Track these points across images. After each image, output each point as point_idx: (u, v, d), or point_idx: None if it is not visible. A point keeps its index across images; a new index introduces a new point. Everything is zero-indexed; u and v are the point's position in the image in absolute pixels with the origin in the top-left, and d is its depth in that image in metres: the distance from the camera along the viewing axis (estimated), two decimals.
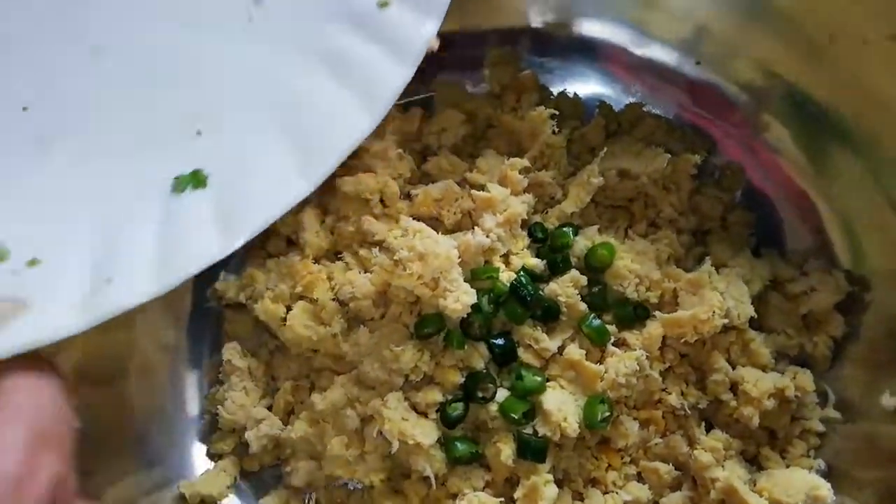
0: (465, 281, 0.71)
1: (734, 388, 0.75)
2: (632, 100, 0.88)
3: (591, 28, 0.87)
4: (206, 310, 0.83)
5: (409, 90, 0.87)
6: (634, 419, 0.75)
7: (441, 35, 0.62)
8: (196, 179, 0.55)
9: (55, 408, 0.48)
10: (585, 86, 0.90)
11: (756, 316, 0.76)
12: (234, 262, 0.83)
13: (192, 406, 0.81)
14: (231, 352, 0.80)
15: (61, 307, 0.49)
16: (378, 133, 0.78)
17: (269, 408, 0.79)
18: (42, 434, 0.46)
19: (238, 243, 0.52)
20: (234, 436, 0.79)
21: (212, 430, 0.80)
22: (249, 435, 0.76)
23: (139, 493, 0.72)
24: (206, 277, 0.81)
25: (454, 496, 0.73)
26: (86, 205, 0.54)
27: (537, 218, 0.79)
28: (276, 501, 0.76)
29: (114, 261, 0.51)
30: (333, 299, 0.76)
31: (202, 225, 0.53)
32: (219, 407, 0.77)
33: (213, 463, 0.79)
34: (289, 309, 0.77)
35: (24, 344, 0.47)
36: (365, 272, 0.76)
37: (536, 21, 0.88)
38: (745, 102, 0.84)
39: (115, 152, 0.57)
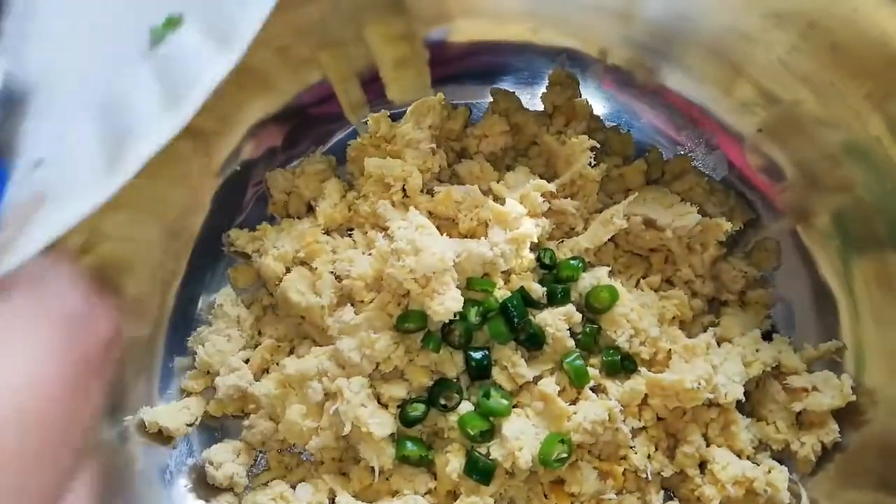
0: (458, 287, 0.70)
1: (703, 465, 0.73)
2: (683, 152, 0.86)
3: (669, 76, 0.83)
4: (217, 251, 0.85)
5: (464, 92, 0.91)
6: (594, 468, 0.73)
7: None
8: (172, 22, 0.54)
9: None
10: (641, 124, 0.88)
11: (745, 400, 0.73)
12: (254, 214, 0.85)
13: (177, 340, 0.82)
14: (224, 297, 0.81)
15: (83, 180, 0.48)
16: (416, 122, 0.79)
17: (247, 361, 0.80)
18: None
19: (235, 57, 0.49)
20: (208, 378, 0.80)
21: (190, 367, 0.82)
22: (219, 381, 0.77)
23: (103, 413, 0.74)
24: (221, 225, 0.83)
25: (395, 493, 0.73)
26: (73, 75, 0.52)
27: (551, 245, 0.78)
28: (227, 450, 0.77)
29: (120, 119, 0.48)
30: (331, 272, 0.77)
31: (195, 52, 0.49)
32: (199, 347, 0.79)
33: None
34: (288, 271, 0.79)
35: (54, 229, 0.46)
36: (368, 254, 0.76)
37: (616, 54, 0.85)
38: (801, 185, 0.80)
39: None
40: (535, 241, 0.74)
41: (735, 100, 0.79)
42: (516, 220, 0.73)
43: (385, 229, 0.77)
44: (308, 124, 0.87)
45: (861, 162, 0.72)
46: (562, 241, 0.79)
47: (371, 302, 0.74)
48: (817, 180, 0.77)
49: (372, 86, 0.85)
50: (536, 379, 0.73)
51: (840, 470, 0.74)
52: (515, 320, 0.71)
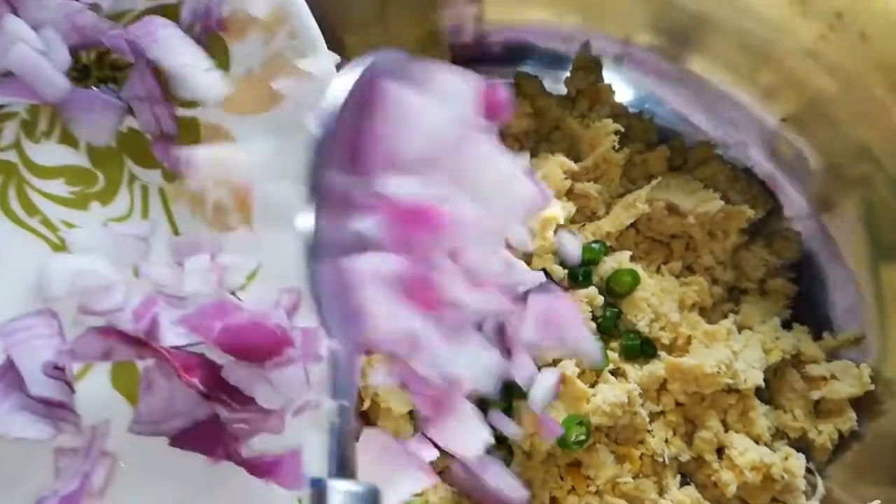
0: None
1: (721, 451, 0.73)
2: (706, 139, 0.86)
3: (694, 62, 0.83)
4: None
5: (487, 71, 0.90)
6: (611, 452, 0.73)
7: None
8: None
9: None
10: (665, 112, 0.88)
11: (765, 387, 0.73)
12: None
13: None
14: None
15: None
16: None
17: None
18: None
19: None
20: None
21: None
22: None
23: None
24: None
25: None
26: None
27: (574, 229, 0.78)
28: None
29: None
30: None
31: None
32: None
33: None
34: None
35: None
36: None
37: (641, 39, 0.85)
38: (825, 175, 0.80)
39: None
40: (561, 223, 0.74)
41: (760, 88, 0.79)
42: None
43: None
44: None
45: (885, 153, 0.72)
46: (583, 225, 0.78)
47: None
48: (841, 171, 0.77)
49: None
50: (556, 361, 0.73)
51: (856, 461, 0.74)
52: None
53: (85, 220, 0.57)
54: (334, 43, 0.81)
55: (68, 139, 0.57)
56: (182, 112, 0.58)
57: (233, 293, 0.56)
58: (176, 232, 0.59)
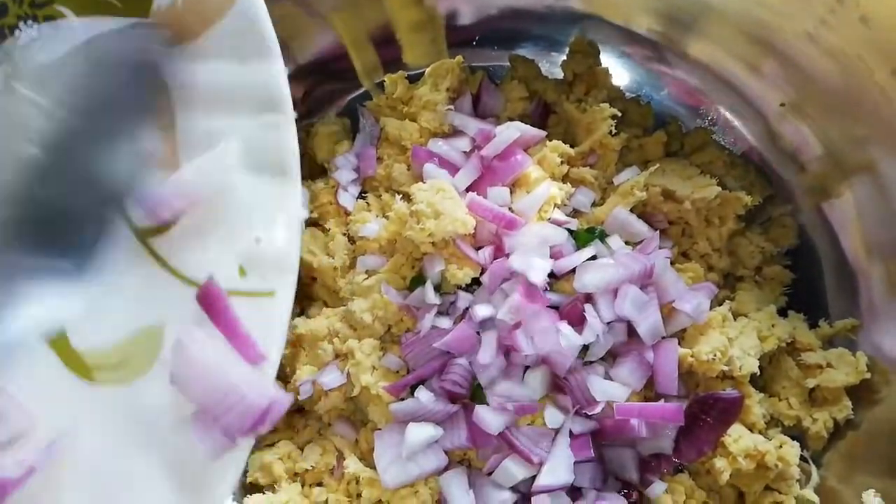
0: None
1: None
2: (703, 124, 0.85)
3: (693, 46, 0.81)
4: None
5: (481, 57, 0.89)
6: None
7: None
8: None
9: None
10: (662, 96, 0.87)
11: (759, 374, 0.73)
12: None
13: None
14: None
15: None
16: (434, 84, 0.78)
17: None
18: None
19: None
20: None
21: None
22: None
23: None
24: None
25: None
26: None
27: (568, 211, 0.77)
28: None
29: None
30: (344, 234, 0.76)
31: None
32: None
33: None
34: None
35: None
36: (383, 216, 0.75)
37: (640, 23, 0.83)
38: (824, 162, 0.79)
39: None
40: (558, 202, 0.73)
41: (760, 73, 0.78)
42: (536, 181, 0.72)
43: (399, 192, 0.76)
44: (322, 86, 0.86)
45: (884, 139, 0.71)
46: (579, 212, 0.78)
47: (385, 264, 0.73)
48: (840, 157, 0.76)
49: (386, 48, 0.84)
50: None
51: (851, 450, 0.73)
52: None
53: None
54: (327, 23, 0.82)
55: None
56: None
57: None
58: None
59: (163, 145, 0.57)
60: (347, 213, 0.77)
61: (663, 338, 0.70)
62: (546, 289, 0.69)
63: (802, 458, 0.73)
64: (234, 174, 0.55)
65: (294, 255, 0.54)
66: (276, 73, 0.55)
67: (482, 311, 0.67)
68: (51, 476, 0.54)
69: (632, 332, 0.70)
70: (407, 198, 0.72)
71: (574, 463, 0.67)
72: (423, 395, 0.68)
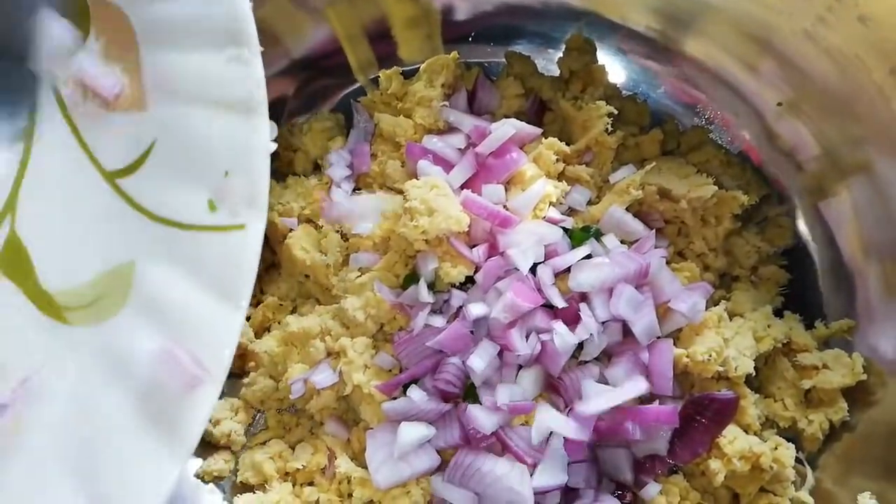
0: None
1: None
2: (700, 123, 0.84)
3: (691, 44, 0.80)
4: None
5: (478, 50, 0.89)
6: None
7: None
8: None
9: None
10: (659, 96, 0.86)
11: (755, 375, 0.72)
12: None
13: None
14: None
15: None
16: (429, 80, 0.77)
17: (248, 318, 0.78)
18: None
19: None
20: None
21: None
22: None
23: None
24: None
25: None
26: None
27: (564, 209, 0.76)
28: (225, 407, 0.76)
29: None
30: (337, 231, 0.75)
31: None
32: None
33: None
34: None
35: None
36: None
37: (637, 20, 0.82)
38: (821, 162, 0.78)
39: None
40: (553, 200, 0.73)
41: (757, 72, 0.77)
42: (532, 179, 0.72)
43: (393, 189, 0.75)
44: (316, 81, 0.85)
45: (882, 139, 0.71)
46: (575, 210, 0.77)
47: (378, 261, 0.73)
48: (838, 157, 0.75)
49: (381, 43, 0.83)
50: None
51: (847, 452, 0.73)
52: None
53: None
54: (322, 18, 0.81)
55: None
56: None
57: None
58: None
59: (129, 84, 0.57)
60: None
61: (658, 338, 0.70)
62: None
63: (798, 460, 0.72)
64: (200, 108, 0.54)
65: (264, 188, 0.53)
66: (240, 5, 0.53)
67: (476, 309, 0.67)
68: (22, 413, 0.54)
69: (627, 331, 0.69)
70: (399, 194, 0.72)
71: (568, 464, 0.66)
72: (416, 395, 0.67)
